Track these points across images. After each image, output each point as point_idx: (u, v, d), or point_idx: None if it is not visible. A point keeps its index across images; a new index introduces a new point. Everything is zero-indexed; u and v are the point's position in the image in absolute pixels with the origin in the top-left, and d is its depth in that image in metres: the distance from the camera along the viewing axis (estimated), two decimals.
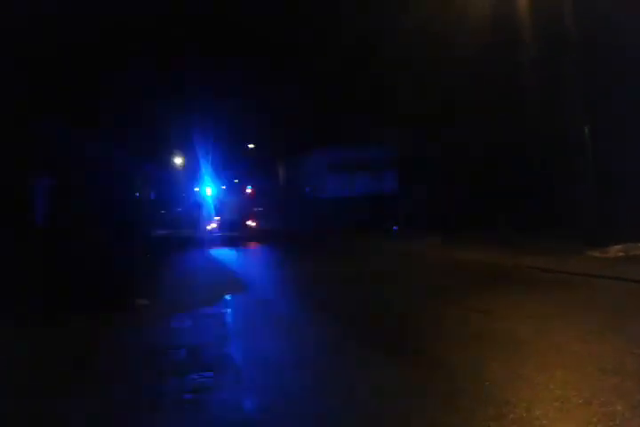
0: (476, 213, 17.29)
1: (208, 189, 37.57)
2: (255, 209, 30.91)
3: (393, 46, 20.89)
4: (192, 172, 69.49)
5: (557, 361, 5.05)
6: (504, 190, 16.72)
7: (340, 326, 7.37)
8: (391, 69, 21.70)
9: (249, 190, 31.77)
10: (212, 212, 30.17)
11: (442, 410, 4.16)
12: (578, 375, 4.64)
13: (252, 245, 24.62)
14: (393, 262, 14.36)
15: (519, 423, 3.79)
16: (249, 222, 28.58)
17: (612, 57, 12.51)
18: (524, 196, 15.95)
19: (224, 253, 20.49)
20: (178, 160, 59.57)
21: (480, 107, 17.23)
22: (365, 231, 23.85)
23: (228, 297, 10.14)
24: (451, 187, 19.82)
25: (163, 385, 5.27)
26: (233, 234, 27.32)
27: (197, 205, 37.71)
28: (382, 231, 22.99)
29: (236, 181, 47.00)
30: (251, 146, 57.70)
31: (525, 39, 14.41)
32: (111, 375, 5.72)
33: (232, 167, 65.54)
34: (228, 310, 9.10)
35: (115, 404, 4.86)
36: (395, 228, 23.31)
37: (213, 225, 28.44)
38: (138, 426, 4.49)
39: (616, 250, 11.20)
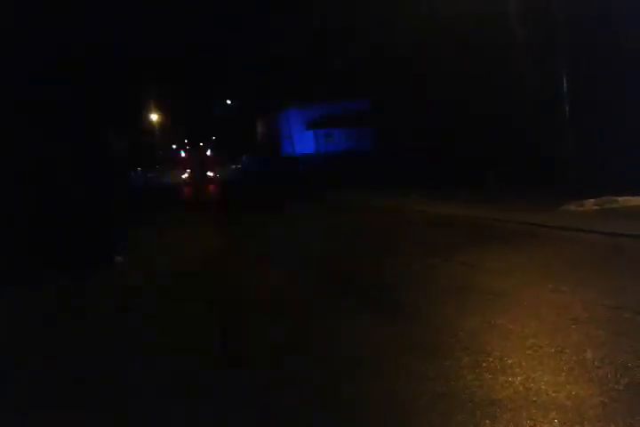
0: (462, 170, 17.25)
1: (184, 151, 43.51)
2: (215, 164, 39.22)
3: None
4: (169, 129, 68.56)
5: (532, 312, 5.14)
6: (491, 148, 16.67)
7: (323, 276, 7.44)
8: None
9: (208, 152, 40.01)
10: (185, 165, 37.74)
11: (416, 358, 4.23)
12: (551, 325, 4.73)
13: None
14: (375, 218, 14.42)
15: (493, 371, 3.87)
16: (209, 173, 37.44)
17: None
18: (510, 154, 15.93)
19: None
20: (154, 117, 58.45)
21: (463, 69, 17.05)
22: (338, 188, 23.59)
23: None
24: (435, 144, 19.68)
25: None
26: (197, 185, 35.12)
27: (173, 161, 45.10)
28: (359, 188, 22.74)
29: (201, 143, 49.89)
30: (228, 102, 56.83)
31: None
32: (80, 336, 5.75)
33: (209, 124, 64.91)
34: None
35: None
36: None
37: (185, 175, 37.35)
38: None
39: (591, 204, 11.32)
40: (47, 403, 4.12)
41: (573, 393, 3.44)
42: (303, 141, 37.82)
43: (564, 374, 3.74)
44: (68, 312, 6.85)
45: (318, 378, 4.14)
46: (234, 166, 56.07)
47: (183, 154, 41.10)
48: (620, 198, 11.11)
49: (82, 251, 9.39)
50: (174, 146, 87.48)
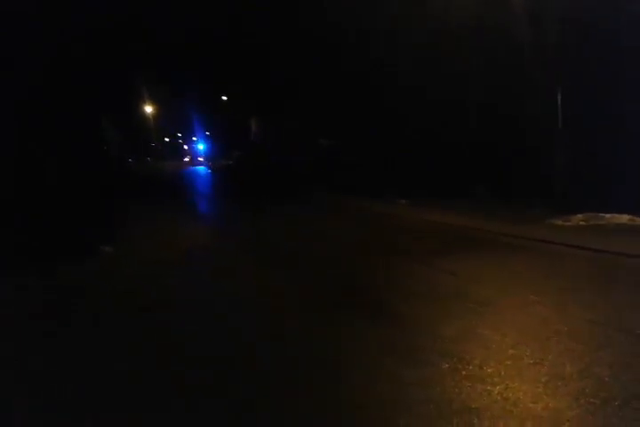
0: (454, 182, 17.29)
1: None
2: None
3: None
4: (164, 121, 68.77)
5: (514, 322, 5.18)
6: (481, 162, 16.72)
7: (305, 282, 7.43)
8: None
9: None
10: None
11: (396, 364, 4.24)
12: (532, 337, 4.76)
13: None
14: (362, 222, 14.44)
15: (472, 379, 3.89)
16: (199, 159, 46.09)
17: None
18: (500, 167, 15.98)
19: None
20: (148, 109, 58.32)
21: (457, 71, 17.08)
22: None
23: None
24: (424, 156, 19.67)
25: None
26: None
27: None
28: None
29: (194, 138, 52.15)
30: (224, 98, 56.78)
31: None
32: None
33: (204, 120, 65.37)
34: None
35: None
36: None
37: (186, 159, 45.69)
38: None
39: (578, 219, 11.42)
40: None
41: (550, 405, 3.47)
42: None
43: (541, 385, 3.77)
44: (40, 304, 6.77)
45: (296, 383, 4.12)
46: (226, 162, 56.29)
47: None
48: (607, 215, 11.22)
49: (68, 241, 9.33)
50: (167, 139, 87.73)
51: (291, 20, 26.40)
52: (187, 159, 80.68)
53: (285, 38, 28.71)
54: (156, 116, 63.87)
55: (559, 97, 12.72)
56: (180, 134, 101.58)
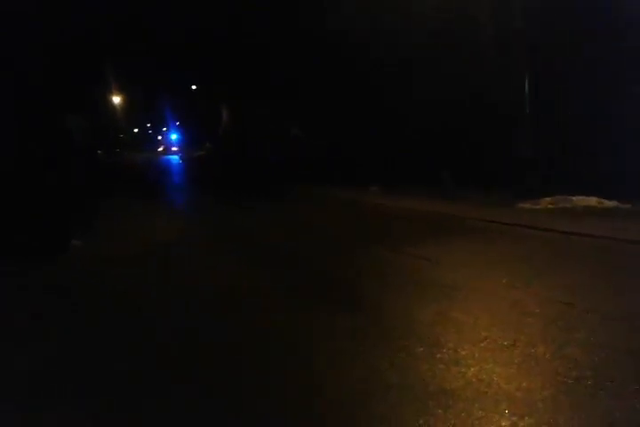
0: (425, 169, 17.33)
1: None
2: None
3: None
4: (134, 112, 67.80)
5: (486, 305, 5.22)
6: (448, 148, 16.77)
7: (279, 272, 7.40)
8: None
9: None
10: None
11: (371, 350, 4.24)
12: (504, 319, 4.80)
13: None
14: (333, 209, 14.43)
15: (446, 362, 3.91)
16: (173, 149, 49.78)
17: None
18: (467, 154, 16.06)
19: None
20: (116, 99, 57.30)
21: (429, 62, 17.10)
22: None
23: None
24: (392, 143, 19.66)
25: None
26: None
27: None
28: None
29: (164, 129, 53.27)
30: (193, 87, 56.08)
31: None
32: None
33: (176, 110, 64.95)
34: None
35: None
36: None
37: (160, 149, 47.94)
38: None
39: (546, 202, 11.57)
40: None
41: (524, 385, 3.50)
42: None
43: (515, 366, 3.80)
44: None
45: (267, 371, 4.08)
46: (198, 153, 55.87)
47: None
48: (574, 198, 11.38)
49: (35, 236, 9.11)
50: (136, 130, 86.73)
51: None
52: (161, 149, 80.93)
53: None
54: (125, 106, 62.78)
55: (526, 83, 12.82)
56: (149, 124, 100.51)
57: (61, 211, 11.24)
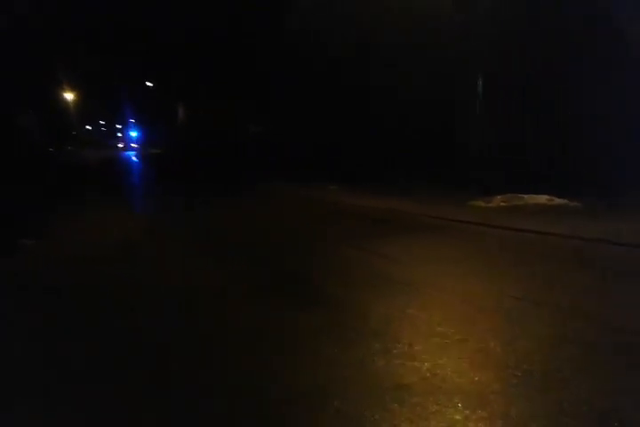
0: (381, 168, 17.52)
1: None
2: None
3: None
4: (87, 109, 66.26)
5: (441, 301, 5.33)
6: (404, 147, 16.99)
7: (235, 268, 7.35)
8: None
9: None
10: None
11: (328, 345, 4.27)
12: (458, 315, 4.91)
13: None
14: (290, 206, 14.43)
15: (402, 357, 3.97)
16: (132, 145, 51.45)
17: None
18: (422, 153, 16.30)
19: None
20: (69, 96, 55.84)
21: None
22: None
23: None
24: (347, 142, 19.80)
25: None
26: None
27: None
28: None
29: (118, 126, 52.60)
30: (149, 84, 55.15)
31: None
32: None
33: (132, 107, 63.93)
34: None
35: None
36: None
37: (120, 145, 51.23)
38: None
39: (499, 200, 11.85)
40: None
41: (476, 379, 3.60)
42: None
43: (467, 360, 3.90)
44: None
45: (225, 368, 4.07)
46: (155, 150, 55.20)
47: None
48: (526, 196, 11.70)
49: None
50: (88, 127, 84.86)
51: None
52: (121, 145, 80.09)
53: None
54: (78, 103, 61.19)
55: (479, 84, 13.10)
56: (102, 122, 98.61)
57: (6, 209, 10.90)
